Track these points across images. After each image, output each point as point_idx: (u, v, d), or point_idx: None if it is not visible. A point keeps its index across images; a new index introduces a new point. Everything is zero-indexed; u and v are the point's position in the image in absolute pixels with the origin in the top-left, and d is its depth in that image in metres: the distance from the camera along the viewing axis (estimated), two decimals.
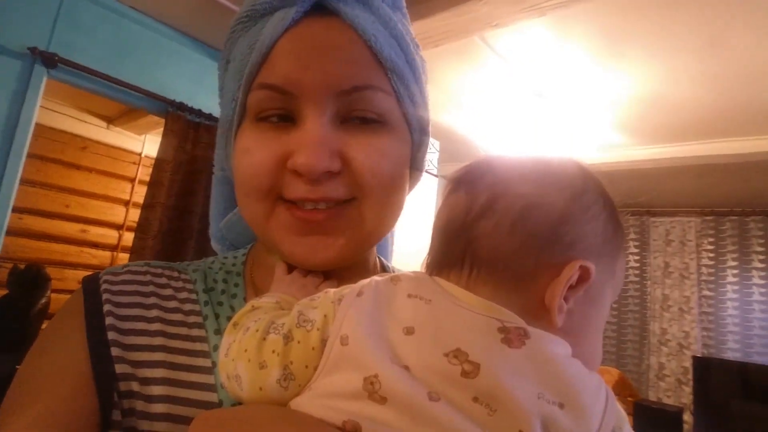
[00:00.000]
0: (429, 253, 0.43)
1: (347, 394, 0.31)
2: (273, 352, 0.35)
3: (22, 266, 2.84)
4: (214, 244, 0.60)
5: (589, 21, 1.88)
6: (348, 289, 0.37)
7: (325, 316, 0.35)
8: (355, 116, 0.43)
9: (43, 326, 2.78)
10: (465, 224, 0.39)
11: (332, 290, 0.39)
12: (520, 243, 0.36)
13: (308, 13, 0.43)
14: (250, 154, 0.43)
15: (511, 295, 0.35)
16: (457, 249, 0.38)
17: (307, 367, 0.34)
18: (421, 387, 0.30)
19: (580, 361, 0.33)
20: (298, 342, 0.35)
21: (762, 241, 3.54)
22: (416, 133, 0.49)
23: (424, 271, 0.42)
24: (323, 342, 0.34)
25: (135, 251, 2.18)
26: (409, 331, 0.33)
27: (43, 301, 2.76)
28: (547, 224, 0.36)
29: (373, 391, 0.30)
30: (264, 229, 0.45)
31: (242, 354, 0.36)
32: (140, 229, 2.21)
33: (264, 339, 0.36)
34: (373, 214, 0.44)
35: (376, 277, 0.38)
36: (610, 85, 2.32)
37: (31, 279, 2.77)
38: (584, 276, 0.35)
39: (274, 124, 0.43)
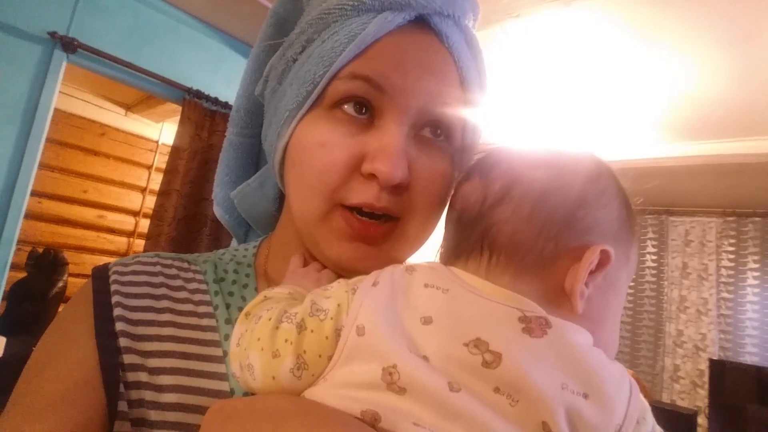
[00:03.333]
0: (443, 243, 0.43)
1: (365, 384, 0.31)
2: (286, 341, 0.35)
3: (41, 250, 2.89)
4: (218, 210, 0.59)
5: (614, 13, 1.83)
6: (362, 280, 0.37)
7: (338, 305, 0.35)
8: (428, 129, 0.44)
9: (60, 309, 2.83)
10: (482, 211, 0.38)
11: (345, 280, 0.38)
12: (539, 228, 0.36)
13: (411, 23, 0.43)
14: (327, 149, 0.42)
15: (531, 282, 0.35)
16: (474, 237, 0.38)
17: (320, 356, 0.34)
18: (442, 377, 0.29)
19: (600, 349, 0.33)
20: (312, 331, 0.34)
21: None
22: (467, 154, 0.49)
23: (438, 261, 0.42)
24: (337, 331, 0.34)
25: (151, 237, 2.20)
26: (427, 320, 0.32)
27: (61, 284, 2.81)
28: (565, 209, 0.36)
29: (391, 381, 0.30)
30: (313, 228, 0.44)
31: (255, 343, 0.36)
32: (156, 216, 2.22)
33: (277, 328, 0.36)
34: (416, 233, 0.45)
35: (390, 268, 0.38)
36: (634, 80, 2.27)
37: (49, 262, 2.82)
38: (604, 260, 0.35)
39: (350, 116, 0.42)
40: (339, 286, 0.37)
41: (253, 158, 0.59)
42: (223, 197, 0.58)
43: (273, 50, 0.50)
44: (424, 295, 0.34)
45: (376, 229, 0.42)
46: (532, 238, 0.36)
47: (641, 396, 0.32)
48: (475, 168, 0.42)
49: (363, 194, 0.41)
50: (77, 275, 3.18)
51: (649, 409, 0.33)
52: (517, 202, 0.37)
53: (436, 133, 0.44)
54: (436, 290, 0.34)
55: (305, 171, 0.43)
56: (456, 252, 0.40)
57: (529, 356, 0.30)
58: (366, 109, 0.42)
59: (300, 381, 0.34)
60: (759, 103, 2.25)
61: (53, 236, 3.37)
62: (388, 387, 0.30)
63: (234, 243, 0.64)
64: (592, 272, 0.35)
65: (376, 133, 0.42)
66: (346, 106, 0.42)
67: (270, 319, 0.36)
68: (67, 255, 3.00)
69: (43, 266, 2.79)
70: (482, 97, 0.48)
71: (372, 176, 0.41)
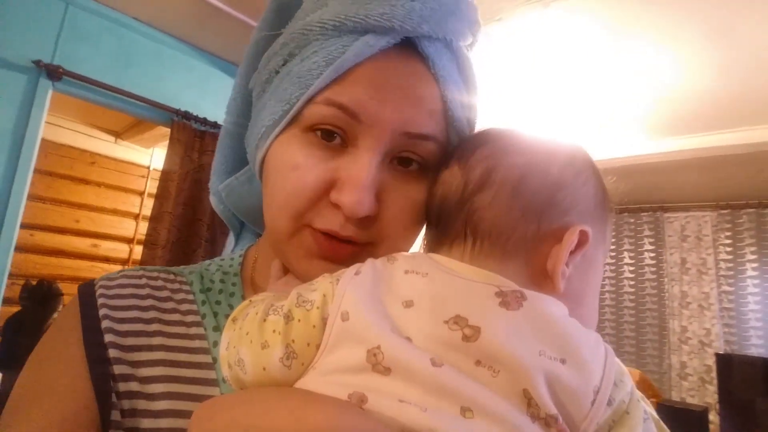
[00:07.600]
0: (426, 231, 0.45)
1: (351, 368, 0.32)
2: (274, 331, 0.35)
3: (34, 282, 2.84)
4: (213, 200, 0.59)
5: (593, 12, 1.85)
6: (345, 270, 0.38)
7: (324, 295, 0.36)
8: (403, 157, 0.43)
9: None
10: (463, 198, 0.39)
11: (329, 273, 0.39)
12: (521, 212, 0.37)
13: (397, 45, 0.41)
14: (299, 173, 0.42)
15: (516, 266, 0.37)
16: (457, 223, 0.39)
17: (309, 345, 0.34)
18: (425, 354, 0.30)
19: (579, 322, 0.34)
20: (299, 320, 0.35)
21: None
22: None
23: (421, 250, 0.43)
24: (324, 320, 0.35)
25: (144, 263, 2.17)
26: (408, 304, 0.33)
27: (55, 315, 2.76)
28: (545, 191, 0.38)
29: (376, 362, 0.31)
30: (282, 244, 0.45)
31: (244, 338, 0.37)
32: (149, 240, 2.20)
33: (264, 320, 0.36)
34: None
35: (371, 259, 0.39)
36: (617, 78, 2.28)
37: (42, 294, 2.77)
38: (582, 240, 0.37)
39: (323, 141, 0.42)
40: (323, 279, 0.38)
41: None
42: (217, 189, 0.58)
43: (271, 40, 0.49)
44: (405, 281, 0.35)
45: (344, 250, 0.42)
46: (514, 222, 0.37)
47: (617, 360, 0.33)
48: (454, 155, 0.43)
49: (328, 221, 0.41)
50: None
51: (626, 373, 0.34)
52: (498, 186, 0.38)
53: (411, 162, 0.43)
54: (416, 275, 0.35)
55: (276, 191, 0.44)
56: (439, 240, 0.41)
57: (507, 328, 0.31)
58: (338, 136, 0.42)
59: (290, 371, 0.34)
60: (741, 93, 2.27)
61: (47, 268, 3.33)
62: (373, 368, 0.31)
63: (225, 251, 0.64)
64: (571, 252, 0.36)
65: (348, 159, 0.41)
66: (318, 132, 0.42)
67: (257, 314, 0.37)
68: (63, 286, 2.94)
69: (37, 298, 2.74)
70: (470, 123, 0.47)
71: (338, 206, 0.41)
